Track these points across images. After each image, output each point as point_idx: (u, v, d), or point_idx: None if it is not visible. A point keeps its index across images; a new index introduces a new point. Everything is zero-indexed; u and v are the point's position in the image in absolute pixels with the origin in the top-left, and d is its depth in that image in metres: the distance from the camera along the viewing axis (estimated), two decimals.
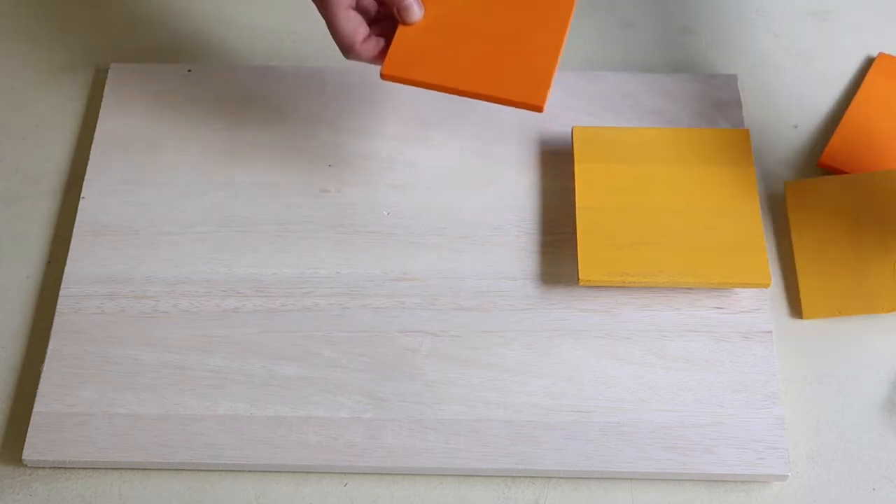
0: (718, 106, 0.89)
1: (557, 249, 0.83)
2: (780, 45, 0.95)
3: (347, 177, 0.87)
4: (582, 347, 0.79)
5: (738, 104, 0.89)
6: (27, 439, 0.75)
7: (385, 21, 0.78)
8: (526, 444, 0.75)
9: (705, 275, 0.78)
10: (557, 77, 0.89)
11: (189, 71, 0.92)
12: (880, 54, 0.93)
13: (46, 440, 0.75)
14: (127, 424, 0.76)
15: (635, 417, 0.76)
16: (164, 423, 0.76)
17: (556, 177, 0.86)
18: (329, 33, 0.77)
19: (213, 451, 0.75)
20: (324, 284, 0.81)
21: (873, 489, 0.75)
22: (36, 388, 0.77)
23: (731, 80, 0.91)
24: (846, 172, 0.85)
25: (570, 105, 0.89)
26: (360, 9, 0.77)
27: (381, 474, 0.76)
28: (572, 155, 0.85)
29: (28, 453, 0.75)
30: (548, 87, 0.74)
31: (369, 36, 0.77)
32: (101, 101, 0.91)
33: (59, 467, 0.76)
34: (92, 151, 0.88)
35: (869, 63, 0.93)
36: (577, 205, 0.81)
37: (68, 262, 0.83)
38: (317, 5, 0.76)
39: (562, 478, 0.75)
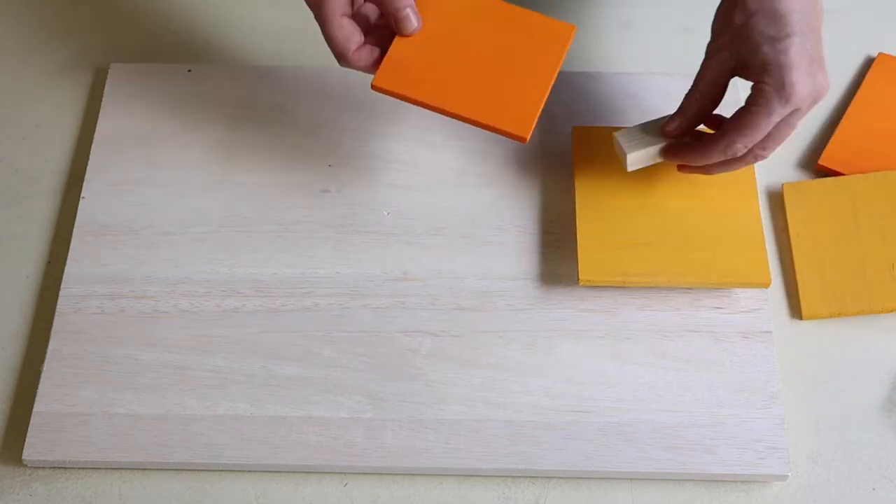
0: (718, 106, 0.89)
1: (557, 249, 0.83)
2: None
3: (347, 177, 0.87)
4: (582, 347, 0.79)
5: (737, 104, 0.89)
6: (27, 439, 0.75)
7: (382, 30, 0.77)
8: (526, 444, 0.75)
9: (705, 275, 0.78)
10: (558, 77, 0.90)
11: (189, 71, 0.92)
12: (880, 54, 0.93)
13: (46, 440, 0.75)
14: (127, 424, 0.76)
15: (635, 417, 0.76)
16: (164, 423, 0.76)
17: (556, 177, 0.86)
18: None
19: (213, 451, 0.75)
20: (324, 284, 0.82)
21: (873, 489, 0.75)
22: (36, 388, 0.77)
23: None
24: (845, 174, 0.85)
25: (570, 105, 0.89)
26: (358, 15, 0.76)
27: (381, 474, 0.76)
28: (572, 155, 0.85)
29: (28, 453, 0.75)
30: (534, 119, 0.74)
31: (363, 45, 0.76)
32: (101, 101, 0.91)
33: (59, 467, 0.76)
34: (92, 151, 0.88)
35: (869, 63, 0.93)
36: (576, 205, 0.81)
37: (68, 262, 0.83)
38: (313, 12, 0.76)
39: (562, 478, 0.75)
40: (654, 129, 0.80)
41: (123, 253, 0.83)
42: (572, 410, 0.76)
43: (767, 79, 0.72)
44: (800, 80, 0.72)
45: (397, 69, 0.75)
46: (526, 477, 0.75)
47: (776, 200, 0.86)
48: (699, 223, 0.81)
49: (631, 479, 0.75)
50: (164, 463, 0.75)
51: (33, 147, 0.90)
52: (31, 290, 0.83)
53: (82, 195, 0.86)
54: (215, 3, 0.98)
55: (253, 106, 0.90)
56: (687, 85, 0.87)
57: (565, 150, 0.87)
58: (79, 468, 0.76)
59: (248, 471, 0.76)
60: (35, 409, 0.76)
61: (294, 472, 0.76)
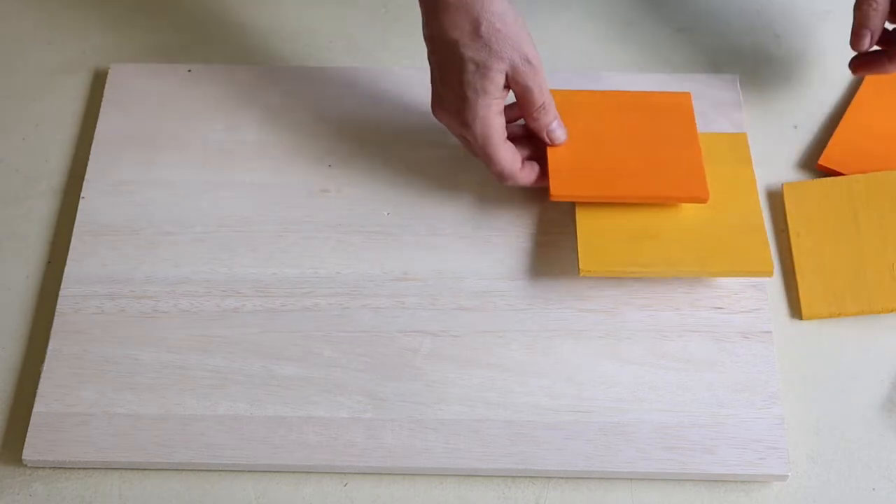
0: (718, 106, 0.89)
1: (557, 249, 0.83)
2: (780, 45, 0.95)
3: (347, 177, 0.87)
4: (582, 347, 0.79)
5: (738, 104, 0.89)
6: (27, 439, 0.75)
7: (522, 140, 0.82)
8: (526, 444, 0.75)
9: (707, 264, 0.78)
10: (558, 78, 0.90)
11: (189, 71, 0.92)
12: None
13: (46, 440, 0.75)
14: (127, 424, 0.76)
15: (635, 417, 0.76)
16: (164, 423, 0.76)
17: None
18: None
19: (213, 451, 0.75)
20: (324, 284, 0.82)
21: (873, 489, 0.75)
22: (36, 388, 0.77)
23: (731, 80, 0.91)
24: (845, 174, 0.85)
25: None
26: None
27: (381, 474, 0.76)
28: None
29: (28, 453, 0.75)
30: (705, 179, 0.80)
31: (524, 162, 0.80)
32: (101, 101, 0.91)
33: (59, 467, 0.76)
34: (92, 151, 0.88)
35: None
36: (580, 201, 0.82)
37: (68, 262, 0.83)
38: (471, 141, 0.79)
39: (562, 478, 0.75)
40: None
41: (123, 253, 0.83)
42: (572, 410, 0.76)
43: None
44: None
45: (565, 175, 0.81)
46: (526, 477, 0.75)
47: (776, 200, 0.86)
48: (700, 214, 0.80)
49: (631, 479, 0.75)
50: (164, 463, 0.75)
51: (33, 147, 0.90)
52: (31, 290, 0.83)
53: (82, 195, 0.86)
54: (215, 3, 0.98)
55: (253, 106, 0.90)
56: (687, 85, 0.87)
57: None
58: (79, 468, 0.76)
59: (248, 471, 0.76)
60: (35, 409, 0.76)
61: (294, 472, 0.76)
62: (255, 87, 0.91)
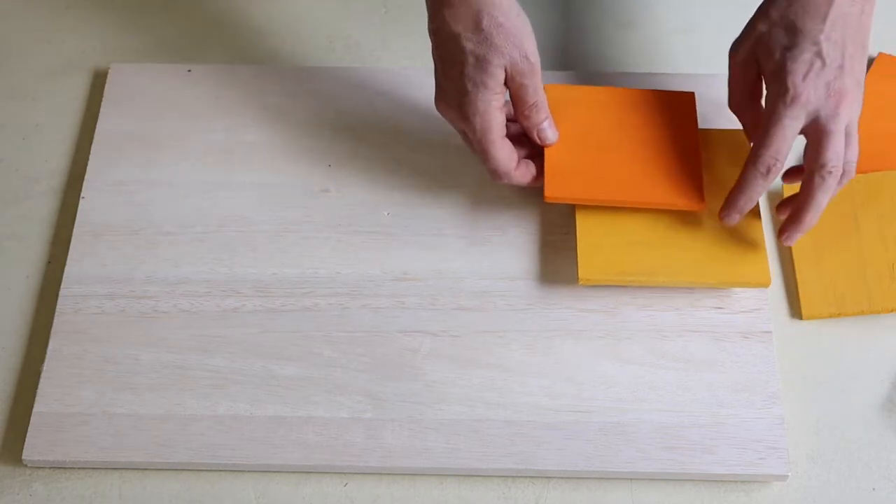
0: (718, 106, 0.88)
1: (557, 249, 0.83)
2: None
3: (347, 177, 0.87)
4: (582, 347, 0.79)
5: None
6: (27, 439, 0.75)
7: (521, 138, 0.81)
8: (526, 444, 0.75)
9: (705, 274, 0.78)
10: (558, 77, 0.90)
11: (189, 71, 0.92)
12: (880, 54, 0.93)
13: (46, 440, 0.75)
14: (127, 424, 0.76)
15: (635, 417, 0.76)
16: (164, 423, 0.76)
17: None
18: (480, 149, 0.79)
19: (213, 451, 0.75)
20: (324, 284, 0.82)
21: (873, 489, 0.75)
22: (36, 388, 0.77)
23: None
24: None
25: None
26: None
27: (381, 474, 0.76)
28: None
29: (28, 453, 0.75)
30: (702, 189, 0.80)
31: (520, 162, 0.80)
32: (101, 101, 0.91)
33: (59, 467, 0.76)
34: (92, 151, 0.88)
35: (869, 63, 0.93)
36: (577, 206, 0.81)
37: (68, 262, 0.83)
38: (470, 136, 0.79)
39: (562, 478, 0.75)
40: None
41: (123, 253, 0.83)
42: (572, 410, 0.76)
43: (774, 84, 0.75)
44: (802, 84, 0.73)
45: (560, 177, 0.80)
46: (526, 477, 0.75)
47: (776, 200, 0.86)
48: (699, 223, 0.80)
49: (631, 479, 0.75)
50: (164, 463, 0.75)
51: (33, 147, 0.90)
52: (31, 290, 0.83)
53: (82, 195, 0.86)
54: (215, 3, 0.98)
55: (253, 106, 0.90)
56: (687, 84, 0.87)
57: None
58: (79, 468, 0.76)
59: (248, 471, 0.76)
60: (35, 409, 0.76)
61: (294, 472, 0.76)
62: (255, 87, 0.91)
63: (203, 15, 0.98)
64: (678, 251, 0.79)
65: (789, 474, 0.74)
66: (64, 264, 0.83)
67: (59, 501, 0.75)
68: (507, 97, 0.78)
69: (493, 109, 0.77)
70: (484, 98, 0.76)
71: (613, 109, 0.83)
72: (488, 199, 0.85)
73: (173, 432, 0.75)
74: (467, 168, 0.86)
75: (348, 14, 0.98)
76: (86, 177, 0.87)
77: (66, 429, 0.76)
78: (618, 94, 0.84)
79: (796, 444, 0.76)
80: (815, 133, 0.75)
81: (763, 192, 0.77)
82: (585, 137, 0.82)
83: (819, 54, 0.74)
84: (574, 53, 0.94)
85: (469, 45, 0.75)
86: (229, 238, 0.84)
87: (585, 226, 0.80)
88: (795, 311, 0.82)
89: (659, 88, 0.88)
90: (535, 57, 0.76)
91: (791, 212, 0.78)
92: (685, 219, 0.81)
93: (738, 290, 0.81)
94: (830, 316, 0.81)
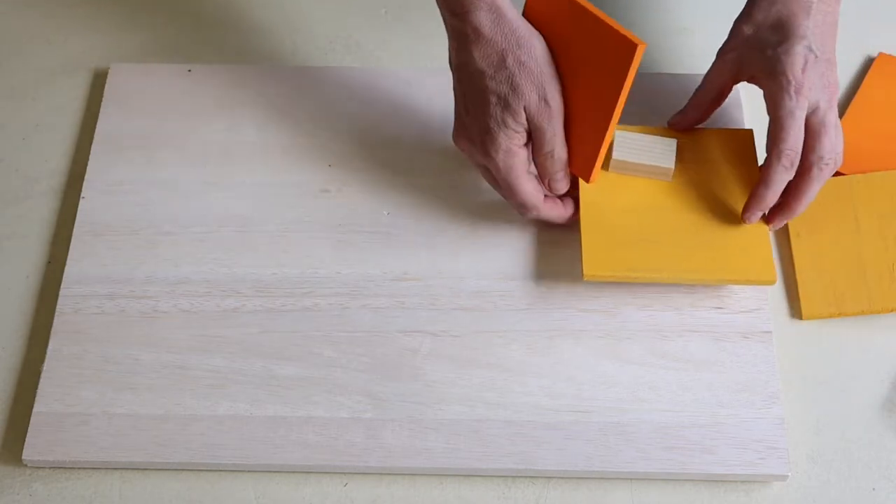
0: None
1: (558, 249, 0.83)
2: None
3: (347, 177, 0.87)
4: (582, 347, 0.79)
5: (738, 104, 0.89)
6: (27, 439, 0.75)
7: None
8: (526, 444, 0.75)
9: (710, 272, 0.78)
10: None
11: (189, 71, 0.92)
12: (880, 54, 0.93)
13: (46, 440, 0.75)
14: (127, 424, 0.76)
15: (635, 417, 0.76)
16: (164, 423, 0.76)
17: None
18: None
19: (213, 451, 0.75)
20: (324, 284, 0.82)
21: (873, 489, 0.75)
22: (36, 388, 0.77)
23: None
24: (845, 174, 0.85)
25: None
26: None
27: (381, 474, 0.76)
28: None
29: (28, 453, 0.75)
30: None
31: (546, 197, 0.80)
32: (101, 101, 0.91)
33: (59, 467, 0.76)
34: (92, 151, 0.88)
35: (869, 63, 0.93)
36: (580, 200, 0.81)
37: (68, 262, 0.83)
38: (493, 173, 0.78)
39: (562, 478, 0.75)
40: (652, 147, 0.81)
41: (123, 253, 0.83)
42: (572, 410, 0.76)
43: (774, 79, 0.76)
44: (802, 75, 0.75)
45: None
46: (526, 477, 0.75)
47: None
48: (704, 221, 0.80)
49: (631, 479, 0.75)
50: (164, 463, 0.75)
51: (33, 147, 0.90)
52: (31, 290, 0.83)
53: (82, 195, 0.86)
54: (215, 3, 0.98)
55: (253, 106, 0.90)
56: (687, 84, 0.87)
57: None
58: (79, 468, 0.76)
59: (248, 471, 0.76)
60: (35, 409, 0.76)
61: (294, 472, 0.76)
62: (255, 87, 0.91)
63: (203, 15, 0.98)
64: (683, 249, 0.79)
65: (789, 474, 0.74)
66: (64, 264, 0.83)
67: (59, 501, 0.75)
68: None
69: (516, 147, 0.77)
70: (506, 136, 0.76)
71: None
72: (488, 199, 0.85)
73: (173, 432, 0.75)
74: (467, 168, 0.86)
75: (348, 14, 0.98)
76: (86, 177, 0.87)
77: (66, 429, 0.76)
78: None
79: (796, 444, 0.76)
80: (814, 126, 0.76)
81: (784, 186, 0.78)
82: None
83: (810, 48, 0.76)
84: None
85: (492, 85, 0.75)
86: (229, 238, 0.84)
87: (590, 222, 0.80)
88: (795, 311, 0.82)
89: (659, 89, 0.88)
90: (555, 102, 0.76)
91: (783, 201, 0.79)
92: (690, 216, 0.80)
93: (738, 289, 0.81)
94: (830, 316, 0.81)
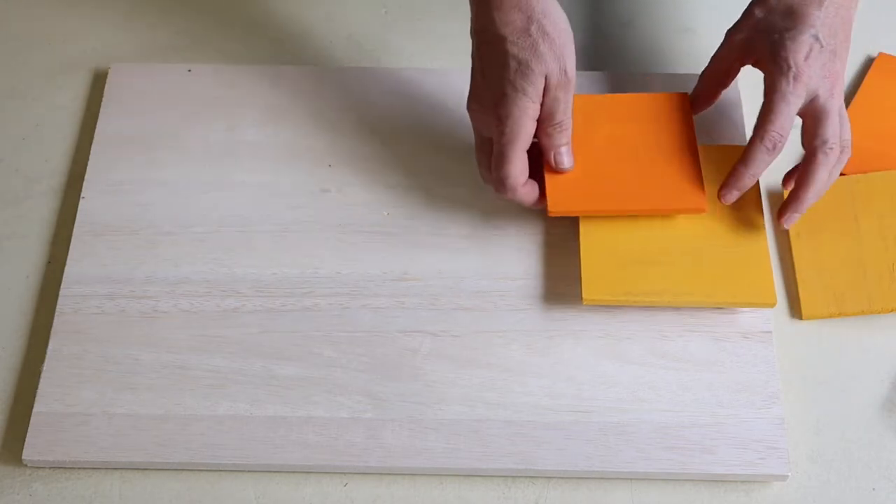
0: (718, 106, 0.88)
1: (557, 249, 0.83)
2: None
3: (347, 177, 0.87)
4: (582, 347, 0.79)
5: (738, 104, 0.89)
6: (27, 439, 0.75)
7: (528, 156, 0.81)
8: (526, 444, 0.75)
9: (710, 294, 0.78)
10: None
11: (189, 71, 0.92)
12: (880, 54, 0.93)
13: (46, 440, 0.75)
14: (127, 424, 0.76)
15: (635, 417, 0.76)
16: (164, 423, 0.76)
17: None
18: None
19: (213, 451, 0.75)
20: (324, 284, 0.82)
21: (873, 489, 0.75)
22: (36, 388, 0.77)
23: None
24: (845, 174, 0.85)
25: None
26: None
27: (381, 474, 0.76)
28: None
29: (28, 453, 0.75)
30: (703, 190, 0.80)
31: (526, 181, 0.80)
32: (101, 101, 0.91)
33: (59, 467, 0.76)
34: (92, 151, 0.88)
35: (869, 63, 0.93)
36: (580, 223, 0.81)
37: (68, 262, 0.83)
38: (495, 139, 0.78)
39: (562, 478, 0.75)
40: None
41: (123, 253, 0.83)
42: (572, 410, 0.76)
43: (775, 63, 0.76)
44: (804, 63, 0.76)
45: (562, 191, 0.80)
46: (526, 477, 0.75)
47: (776, 201, 0.86)
48: (704, 241, 0.80)
49: (631, 479, 0.75)
50: (164, 463, 0.75)
51: (33, 147, 0.90)
52: (31, 290, 0.83)
53: (82, 195, 0.86)
54: (215, 3, 0.98)
55: (253, 106, 0.90)
56: (687, 85, 0.87)
57: None
58: (79, 468, 0.76)
59: (248, 471, 0.76)
60: (35, 409, 0.76)
61: (294, 472, 0.76)
62: (255, 87, 0.91)
63: (203, 15, 0.98)
64: (683, 271, 0.79)
65: (789, 474, 0.74)
66: (64, 264, 0.83)
67: (59, 501, 0.75)
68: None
69: (527, 118, 0.76)
70: (521, 104, 0.76)
71: (607, 117, 0.83)
72: (488, 199, 0.85)
73: (173, 432, 0.75)
74: (467, 168, 0.86)
75: (348, 14, 0.98)
76: (86, 177, 0.87)
77: (66, 429, 0.76)
78: (611, 101, 0.84)
79: (796, 444, 0.76)
80: (814, 112, 0.77)
81: (765, 169, 0.78)
82: (583, 148, 0.81)
83: (817, 38, 0.76)
84: (574, 53, 0.94)
85: (514, 50, 0.75)
86: (229, 238, 0.84)
87: (589, 245, 0.80)
88: (795, 311, 0.82)
89: (660, 89, 0.88)
90: (572, 73, 0.76)
91: (792, 191, 0.79)
92: (690, 238, 0.80)
93: None
94: (830, 316, 0.81)
